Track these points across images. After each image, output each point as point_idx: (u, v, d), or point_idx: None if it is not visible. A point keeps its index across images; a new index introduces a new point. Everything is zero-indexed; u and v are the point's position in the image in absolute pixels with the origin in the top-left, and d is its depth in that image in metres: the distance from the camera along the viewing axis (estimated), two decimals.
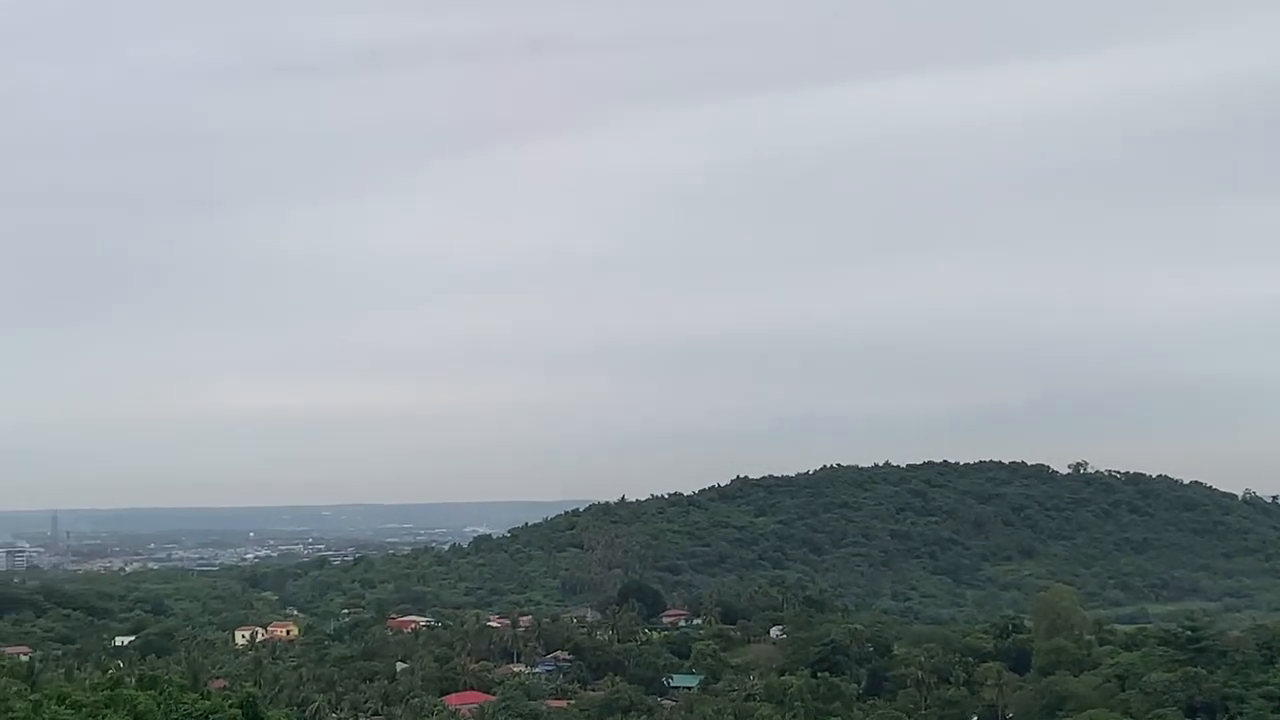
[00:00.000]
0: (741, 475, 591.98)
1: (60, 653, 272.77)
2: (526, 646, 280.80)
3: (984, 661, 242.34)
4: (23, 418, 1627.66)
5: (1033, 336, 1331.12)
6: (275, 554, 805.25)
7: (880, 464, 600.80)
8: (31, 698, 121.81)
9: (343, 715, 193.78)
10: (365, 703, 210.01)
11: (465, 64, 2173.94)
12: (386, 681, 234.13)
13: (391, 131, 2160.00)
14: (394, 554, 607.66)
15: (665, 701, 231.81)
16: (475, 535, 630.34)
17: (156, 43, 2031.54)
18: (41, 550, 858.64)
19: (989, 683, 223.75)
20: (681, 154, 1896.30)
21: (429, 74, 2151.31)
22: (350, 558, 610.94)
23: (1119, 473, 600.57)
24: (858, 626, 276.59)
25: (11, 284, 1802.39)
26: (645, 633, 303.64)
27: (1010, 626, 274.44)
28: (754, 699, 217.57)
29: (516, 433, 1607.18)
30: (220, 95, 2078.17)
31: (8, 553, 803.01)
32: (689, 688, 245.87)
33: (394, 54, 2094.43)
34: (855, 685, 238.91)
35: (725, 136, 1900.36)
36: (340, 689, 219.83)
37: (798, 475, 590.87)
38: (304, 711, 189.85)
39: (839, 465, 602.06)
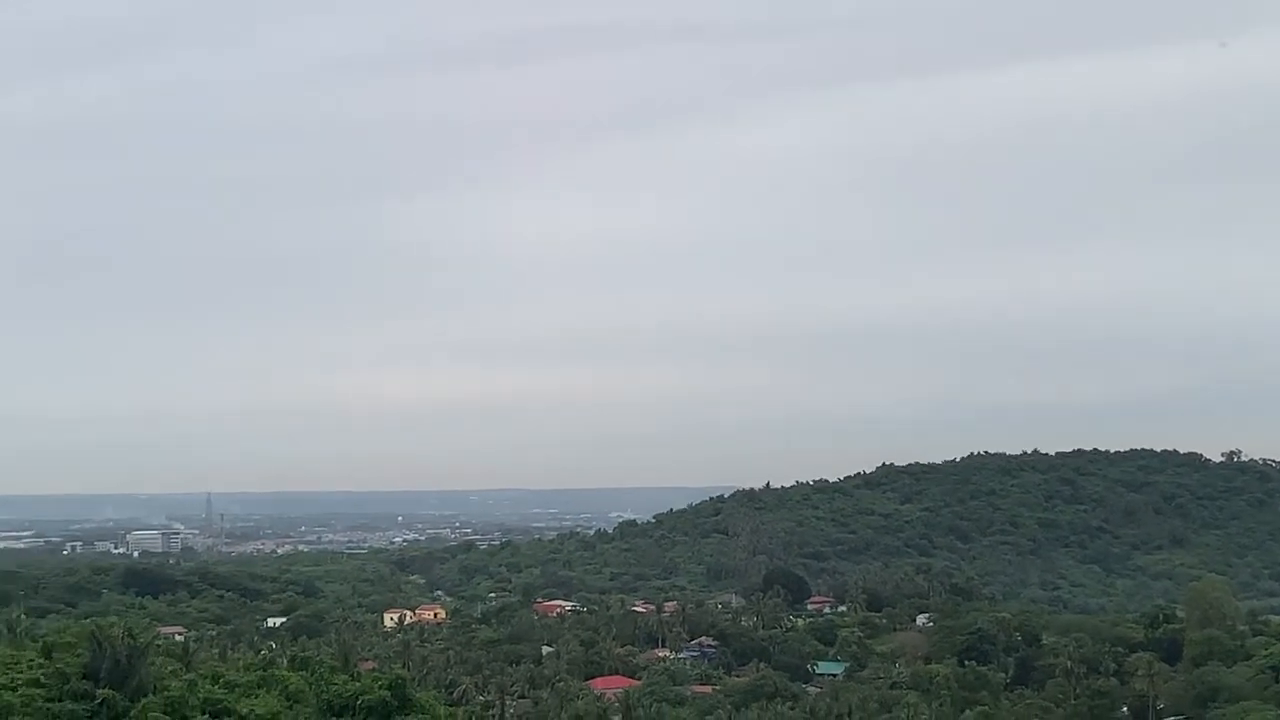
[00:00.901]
0: (887, 462, 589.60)
1: (214, 633, 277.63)
2: (671, 632, 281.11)
3: (1134, 652, 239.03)
4: (179, 403, 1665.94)
5: (1186, 323, 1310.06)
6: (423, 538, 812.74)
7: (1029, 451, 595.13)
8: (186, 677, 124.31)
9: (489, 698, 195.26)
10: (511, 686, 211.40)
11: (616, 51, 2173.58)
12: (533, 665, 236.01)
13: (542, 120, 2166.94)
14: (540, 539, 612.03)
15: (810, 688, 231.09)
16: (620, 521, 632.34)
17: (305, 34, 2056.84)
18: (196, 532, 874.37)
19: (1140, 673, 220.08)
20: (831, 139, 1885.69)
21: (579, 62, 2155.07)
22: (497, 542, 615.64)
23: (1274, 461, 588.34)
24: (1005, 615, 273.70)
25: (166, 273, 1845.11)
26: (790, 619, 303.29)
27: (1161, 617, 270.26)
28: (900, 687, 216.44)
29: (661, 419, 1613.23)
30: (371, 85, 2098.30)
31: (164, 535, 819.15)
32: (834, 675, 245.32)
33: (542, 43, 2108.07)
34: (1003, 674, 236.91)
35: (877, 122, 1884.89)
36: (487, 672, 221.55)
37: (944, 462, 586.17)
38: (451, 693, 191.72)
39: (986, 452, 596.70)
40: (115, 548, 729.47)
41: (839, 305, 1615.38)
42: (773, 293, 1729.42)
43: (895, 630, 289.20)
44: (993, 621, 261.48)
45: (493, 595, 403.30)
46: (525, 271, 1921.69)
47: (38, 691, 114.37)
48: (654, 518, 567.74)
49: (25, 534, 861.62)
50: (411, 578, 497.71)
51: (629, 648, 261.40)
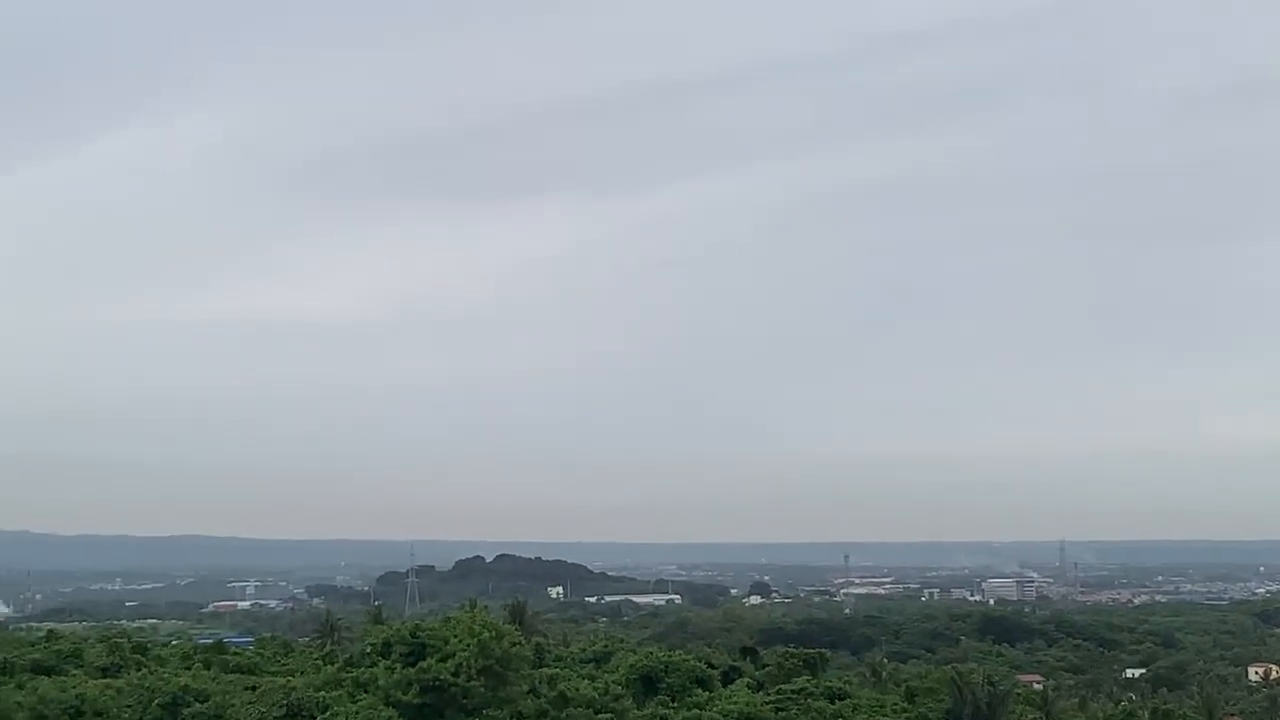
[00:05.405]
0: None
1: (1071, 682, 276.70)
2: None
3: None
4: (1033, 450, 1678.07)
5: None
6: None
7: None
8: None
9: None
10: None
11: None
12: None
13: None
14: None
15: None
16: None
17: (1162, 71, 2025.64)
18: (1050, 580, 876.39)
19: None
20: None
21: None
22: None
23: None
24: None
25: (1013, 318, 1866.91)
26: None
27: None
28: None
29: None
30: (1230, 119, 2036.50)
31: (1018, 582, 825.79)
32: None
33: None
34: None
35: None
36: None
37: None
38: None
39: None
40: (971, 595, 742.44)
41: None
42: None
43: None
44: None
45: None
46: None
47: None
48: None
49: (885, 580, 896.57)
50: (1276, 630, 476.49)
51: None
